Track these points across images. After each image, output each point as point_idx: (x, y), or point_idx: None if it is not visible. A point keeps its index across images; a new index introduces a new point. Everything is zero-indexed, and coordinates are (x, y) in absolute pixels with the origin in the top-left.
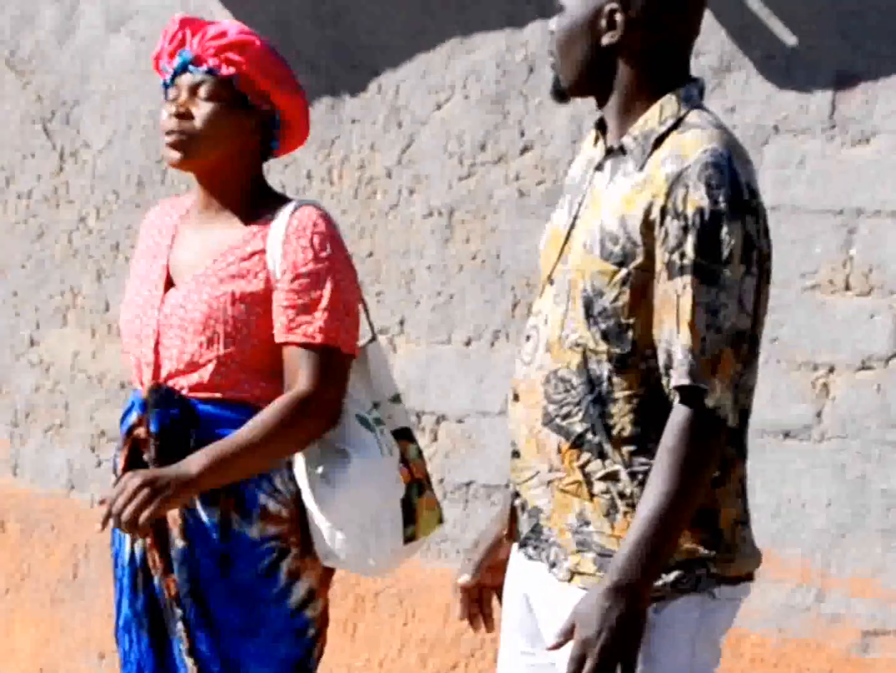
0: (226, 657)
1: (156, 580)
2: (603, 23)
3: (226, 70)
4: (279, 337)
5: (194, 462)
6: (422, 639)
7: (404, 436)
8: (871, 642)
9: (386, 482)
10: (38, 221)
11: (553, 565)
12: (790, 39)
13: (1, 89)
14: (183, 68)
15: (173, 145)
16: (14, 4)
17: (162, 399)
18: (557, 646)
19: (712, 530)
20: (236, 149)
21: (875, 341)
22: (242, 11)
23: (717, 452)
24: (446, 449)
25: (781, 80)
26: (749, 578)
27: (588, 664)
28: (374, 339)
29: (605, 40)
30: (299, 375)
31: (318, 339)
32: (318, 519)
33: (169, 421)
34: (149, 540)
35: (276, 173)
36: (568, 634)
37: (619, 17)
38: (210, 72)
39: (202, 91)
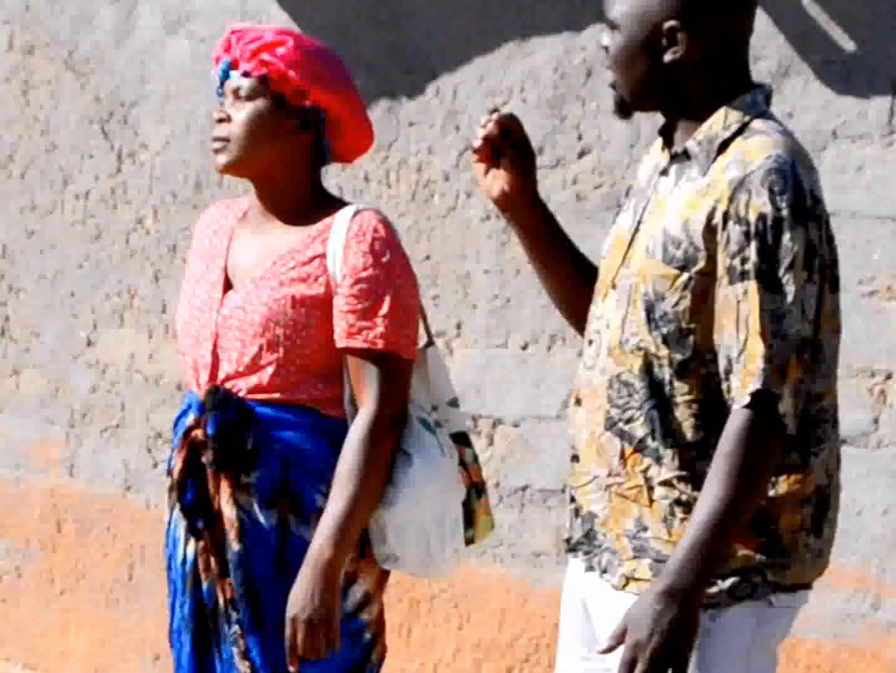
0: (279, 661)
1: (204, 585)
2: (663, 40)
3: (258, 71)
4: (340, 342)
5: (324, 547)
6: (477, 643)
7: (461, 440)
8: None
9: (449, 484)
10: (95, 222)
11: (605, 571)
12: (849, 45)
13: (59, 90)
14: (225, 74)
15: (216, 150)
16: (73, 5)
17: (219, 401)
18: (609, 649)
19: (770, 537)
20: (284, 151)
21: None
22: (300, 14)
23: (774, 459)
24: (502, 453)
25: (840, 85)
26: (807, 586)
27: (639, 668)
28: (431, 343)
29: (668, 57)
30: (364, 391)
31: (380, 345)
32: (381, 521)
33: (226, 424)
34: (202, 543)
35: (333, 176)
36: (619, 637)
37: (680, 34)
38: (245, 74)
39: (241, 93)
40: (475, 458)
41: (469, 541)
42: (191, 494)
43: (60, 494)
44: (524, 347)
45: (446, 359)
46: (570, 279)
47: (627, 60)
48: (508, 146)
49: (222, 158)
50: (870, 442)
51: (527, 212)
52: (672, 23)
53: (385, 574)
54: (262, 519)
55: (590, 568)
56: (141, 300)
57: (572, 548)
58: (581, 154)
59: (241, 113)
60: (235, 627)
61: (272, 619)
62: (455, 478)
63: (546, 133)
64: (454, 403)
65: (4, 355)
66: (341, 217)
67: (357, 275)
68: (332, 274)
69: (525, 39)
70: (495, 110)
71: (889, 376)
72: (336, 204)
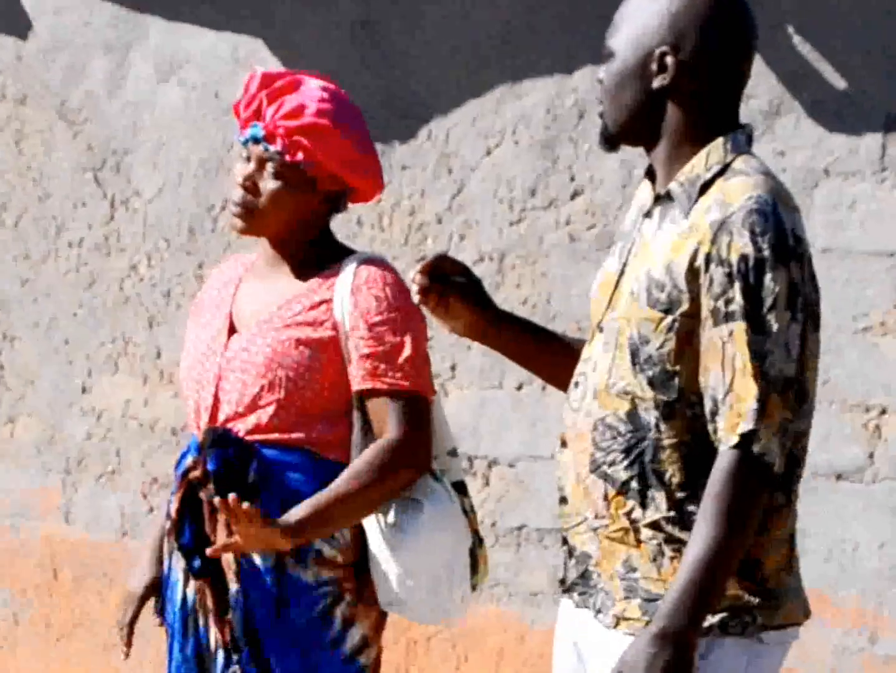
0: None
1: (201, 626)
2: (654, 66)
3: (294, 155)
4: (360, 384)
5: (293, 513)
6: None
7: (460, 489)
8: None
9: (458, 530)
10: (89, 269)
11: (599, 612)
12: (840, 83)
13: (52, 139)
14: (255, 140)
15: (237, 216)
16: (65, 55)
17: (218, 439)
18: None
19: (757, 579)
20: (303, 217)
21: None
22: (292, 61)
23: (763, 498)
24: (498, 493)
25: (831, 123)
26: (797, 623)
27: None
28: (433, 392)
29: (656, 83)
30: (389, 424)
31: (406, 385)
32: (388, 567)
33: (226, 460)
34: (202, 584)
35: None
36: None
37: (669, 59)
38: (280, 153)
39: (269, 167)
40: (472, 507)
41: (473, 587)
42: (188, 534)
43: (57, 540)
44: (519, 388)
45: (442, 400)
46: (561, 367)
47: (618, 86)
48: (450, 283)
49: (241, 224)
50: (865, 477)
51: (496, 331)
52: (664, 48)
53: (383, 618)
54: (258, 560)
55: (584, 607)
56: (135, 346)
57: (568, 589)
58: (574, 195)
59: (270, 188)
60: (236, 668)
61: (276, 659)
62: (464, 525)
63: (539, 174)
64: (453, 452)
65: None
66: (349, 266)
67: (372, 318)
68: (340, 319)
69: (517, 82)
70: (422, 258)
71: (884, 411)
72: (344, 251)
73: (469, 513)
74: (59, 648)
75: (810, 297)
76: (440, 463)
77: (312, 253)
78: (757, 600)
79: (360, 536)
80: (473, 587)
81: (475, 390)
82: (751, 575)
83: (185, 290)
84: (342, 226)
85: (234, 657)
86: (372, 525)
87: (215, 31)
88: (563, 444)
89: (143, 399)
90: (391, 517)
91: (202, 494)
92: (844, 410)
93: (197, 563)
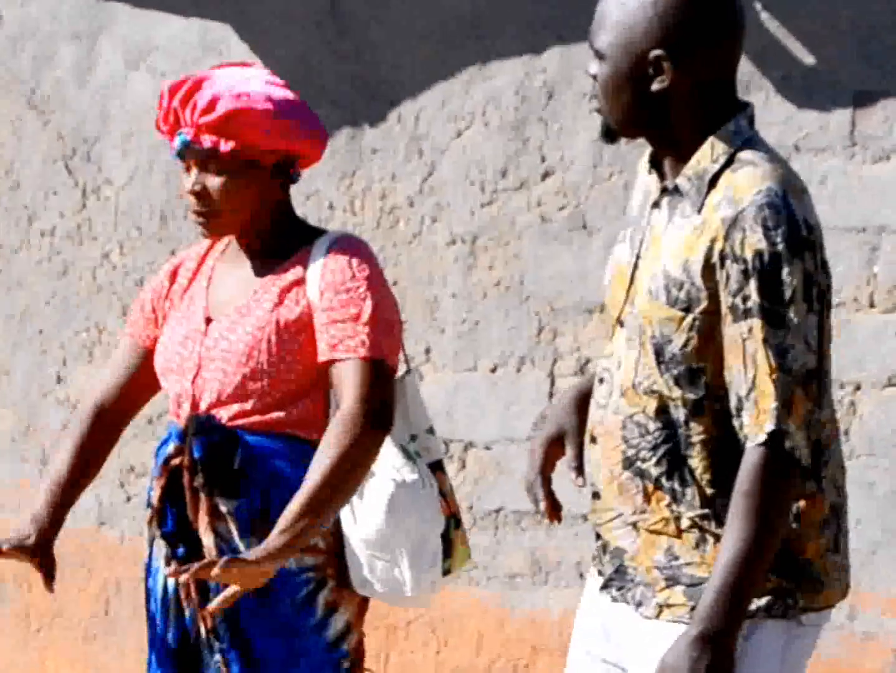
0: None
1: (187, 614)
2: (650, 70)
3: (225, 146)
4: (324, 356)
5: (279, 526)
6: (455, 667)
7: (439, 468)
8: None
9: (428, 513)
10: (62, 259)
11: (640, 605)
12: (808, 59)
13: (22, 129)
14: (186, 149)
15: (201, 224)
16: (33, 44)
17: (202, 427)
18: None
19: (797, 564)
20: (260, 200)
21: None
22: (261, 45)
23: (792, 493)
24: (475, 476)
25: (801, 99)
26: (832, 606)
27: None
28: (409, 371)
29: (655, 86)
30: (345, 391)
31: (362, 352)
32: (358, 548)
33: (211, 447)
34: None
35: (299, 205)
36: None
37: (665, 63)
38: (212, 149)
39: (211, 166)
40: (451, 486)
41: (446, 571)
42: (171, 522)
43: None
44: (493, 370)
45: (417, 383)
46: None
47: (614, 90)
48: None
49: (209, 232)
50: None
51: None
52: (657, 52)
53: (365, 603)
54: (241, 547)
55: (623, 602)
56: (109, 335)
57: (605, 585)
58: (545, 175)
59: (218, 186)
60: (218, 656)
61: (261, 648)
62: (435, 508)
63: (509, 155)
64: (431, 430)
65: None
66: (320, 243)
67: (335, 288)
68: (312, 297)
69: (485, 64)
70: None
71: (858, 388)
72: (313, 232)
73: (447, 495)
74: (37, 638)
75: (823, 285)
76: (420, 443)
77: (282, 235)
78: (800, 584)
79: (341, 522)
80: (448, 571)
81: (450, 373)
82: (792, 564)
83: None
84: (314, 210)
85: (217, 645)
86: (345, 509)
87: (183, 17)
88: (593, 439)
89: None
90: (363, 498)
91: (194, 483)
92: None
93: (181, 550)
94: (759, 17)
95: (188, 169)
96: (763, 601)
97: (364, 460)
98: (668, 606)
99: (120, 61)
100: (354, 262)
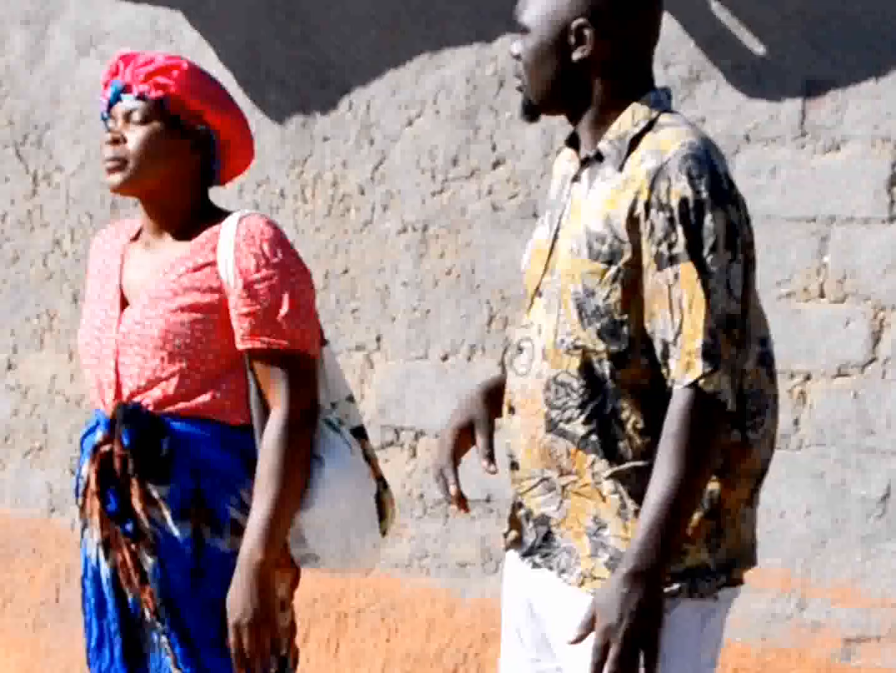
0: (203, 669)
1: (129, 597)
2: (572, 39)
3: (154, 93)
4: (242, 343)
5: (250, 549)
6: (405, 655)
7: (361, 434)
8: (853, 650)
9: (360, 479)
10: (12, 245)
11: (563, 571)
12: (759, 49)
13: None
14: (116, 98)
15: (111, 170)
16: None
17: (130, 415)
18: (579, 639)
19: (720, 514)
20: (176, 171)
21: (851, 348)
22: (211, 33)
23: (720, 435)
24: (425, 464)
25: (751, 89)
26: (741, 581)
27: (612, 651)
28: (325, 342)
29: (576, 56)
30: (273, 392)
31: (284, 344)
32: (298, 523)
33: (141, 434)
34: (121, 557)
35: (250, 193)
36: (589, 625)
37: (587, 31)
38: (140, 97)
39: (135, 116)
40: (373, 452)
41: (383, 532)
42: (114, 502)
43: None
44: (444, 358)
45: (367, 371)
46: None
47: (537, 61)
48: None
49: (117, 178)
50: (791, 443)
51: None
52: (580, 20)
53: (296, 579)
54: (176, 532)
55: (547, 568)
56: (60, 322)
57: (528, 552)
58: (495, 164)
59: (137, 134)
60: (163, 638)
61: (195, 629)
62: (365, 473)
63: (460, 144)
64: (351, 398)
65: None
66: (228, 224)
67: (250, 276)
68: (225, 280)
69: (436, 51)
70: (443, 480)
71: (808, 377)
72: (222, 214)
73: (371, 458)
74: None
75: (747, 239)
76: (339, 410)
77: (192, 217)
78: (719, 563)
79: None
80: (384, 532)
81: (400, 361)
82: (715, 512)
83: None
84: (265, 198)
85: (159, 626)
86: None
87: (133, 3)
88: (511, 410)
89: (69, 375)
90: None
91: (127, 470)
92: None
93: (129, 525)
94: (709, 6)
95: (110, 130)
96: (685, 583)
97: (304, 458)
98: (592, 577)
99: (71, 47)
100: (266, 246)
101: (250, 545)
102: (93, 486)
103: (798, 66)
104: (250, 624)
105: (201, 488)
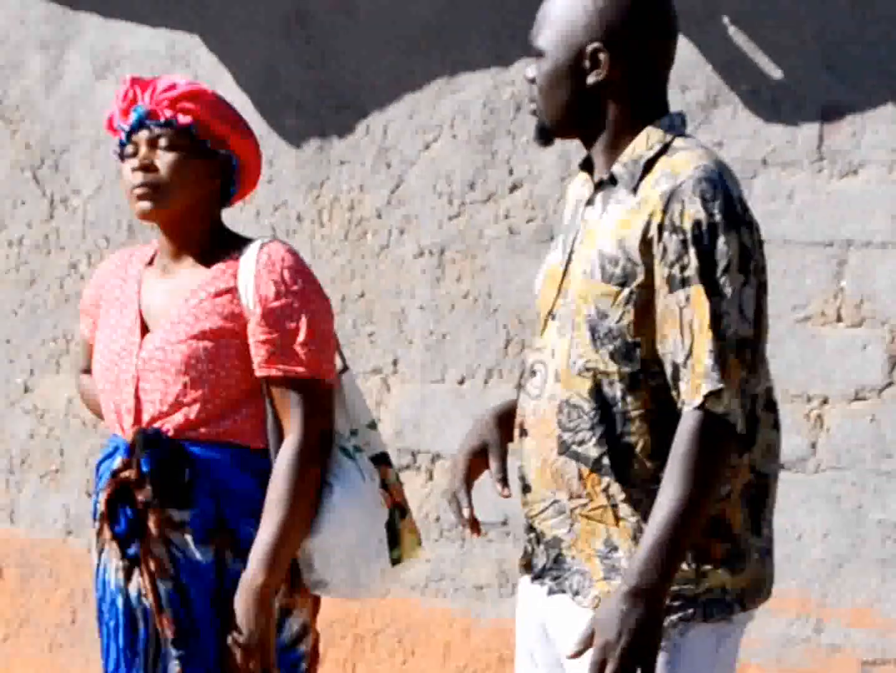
0: None
1: (148, 622)
2: (587, 62)
3: (183, 119)
4: (260, 370)
5: (252, 571)
6: None
7: (383, 461)
8: (870, 672)
9: (369, 507)
10: (29, 269)
11: (577, 594)
12: (776, 73)
13: None
14: (139, 124)
15: (142, 197)
16: (1, 53)
17: (150, 441)
18: (578, 654)
19: (727, 538)
20: (198, 195)
21: (868, 372)
22: (229, 56)
23: (727, 457)
24: (442, 487)
25: (768, 113)
26: (756, 606)
27: (609, 668)
28: (346, 368)
29: (591, 79)
30: (288, 418)
31: (301, 372)
32: (307, 549)
33: (160, 461)
34: (146, 581)
35: (267, 216)
36: (587, 641)
37: (602, 55)
38: (168, 123)
39: (162, 142)
40: (397, 477)
41: (396, 561)
42: (124, 521)
43: (1, 540)
44: (461, 382)
45: (384, 395)
46: None
47: (552, 85)
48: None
49: (147, 205)
50: (808, 467)
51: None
52: (595, 44)
53: (317, 603)
54: (198, 555)
55: (560, 591)
56: (77, 345)
57: (538, 575)
58: (512, 188)
59: (167, 160)
60: (176, 663)
61: (216, 654)
62: (376, 501)
63: (477, 168)
64: (373, 425)
65: None
66: (249, 251)
67: (269, 304)
68: (245, 305)
69: (454, 76)
70: (456, 504)
71: (825, 401)
72: (241, 241)
73: (394, 484)
74: (4, 647)
75: (760, 263)
76: (360, 437)
77: (211, 242)
78: (733, 578)
79: None
80: (397, 561)
81: (417, 385)
82: (723, 534)
83: None
84: (282, 222)
85: (174, 652)
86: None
87: (151, 27)
88: (523, 432)
89: None
90: None
91: (140, 497)
92: (786, 401)
93: (133, 549)
94: (726, 31)
95: (134, 154)
96: (700, 607)
97: (314, 486)
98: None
99: (88, 71)
100: (287, 274)
101: (253, 567)
102: (101, 507)
103: (815, 90)
104: (244, 645)
105: (223, 512)
